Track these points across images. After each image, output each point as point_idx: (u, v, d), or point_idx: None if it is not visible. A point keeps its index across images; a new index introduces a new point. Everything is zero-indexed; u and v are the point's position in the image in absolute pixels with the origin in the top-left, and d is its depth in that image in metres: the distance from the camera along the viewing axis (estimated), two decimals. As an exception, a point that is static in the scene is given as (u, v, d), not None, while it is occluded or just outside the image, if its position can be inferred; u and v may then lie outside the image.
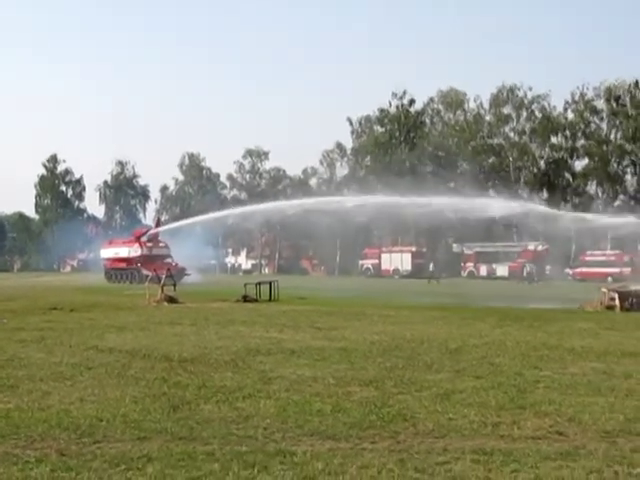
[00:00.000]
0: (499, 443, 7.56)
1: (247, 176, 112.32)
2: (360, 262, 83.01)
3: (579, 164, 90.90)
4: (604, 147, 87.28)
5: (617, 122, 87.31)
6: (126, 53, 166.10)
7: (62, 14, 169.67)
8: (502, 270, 70.34)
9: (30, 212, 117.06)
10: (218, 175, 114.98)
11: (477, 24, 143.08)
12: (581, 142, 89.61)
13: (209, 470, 6.59)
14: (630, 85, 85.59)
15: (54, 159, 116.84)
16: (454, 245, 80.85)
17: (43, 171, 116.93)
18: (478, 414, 8.91)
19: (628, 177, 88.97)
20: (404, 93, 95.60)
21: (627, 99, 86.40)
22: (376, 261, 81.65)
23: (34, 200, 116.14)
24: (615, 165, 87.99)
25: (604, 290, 29.49)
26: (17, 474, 6.56)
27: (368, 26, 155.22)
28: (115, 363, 13.22)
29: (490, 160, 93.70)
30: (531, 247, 75.12)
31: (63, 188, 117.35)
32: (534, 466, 6.74)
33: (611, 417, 8.83)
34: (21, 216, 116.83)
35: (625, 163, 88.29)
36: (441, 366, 12.82)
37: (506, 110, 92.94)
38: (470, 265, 75.46)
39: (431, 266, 67.45)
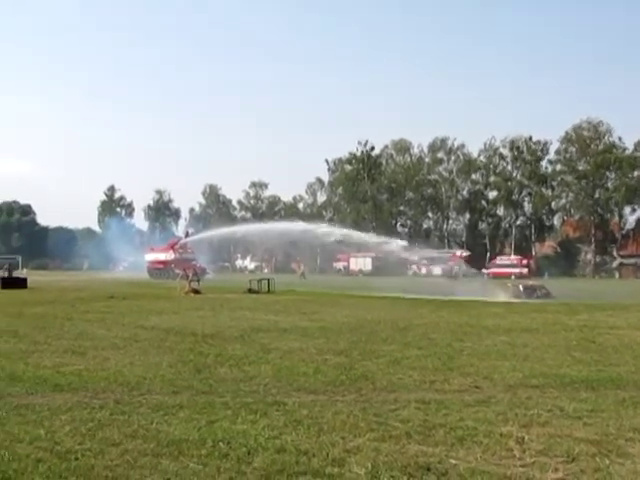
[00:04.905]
0: (434, 395, 7.59)
1: (252, 201, 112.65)
2: (334, 264, 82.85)
3: (491, 194, 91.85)
4: (508, 182, 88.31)
5: (517, 164, 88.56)
6: (160, 106, 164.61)
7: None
8: (437, 270, 70.28)
9: (95, 227, 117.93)
10: (231, 200, 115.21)
11: (419, 85, 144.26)
12: (492, 178, 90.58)
13: (224, 415, 6.59)
14: (526, 138, 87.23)
15: (112, 188, 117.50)
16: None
17: (104, 197, 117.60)
18: (419, 375, 8.95)
19: (526, 204, 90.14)
20: (367, 141, 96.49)
21: (525, 148, 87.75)
22: (346, 263, 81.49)
23: (97, 218, 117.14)
24: (517, 195, 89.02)
25: (509, 285, 29.71)
26: (86, 416, 6.55)
27: (342, 89, 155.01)
28: (155, 337, 13.19)
29: (429, 191, 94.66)
30: (458, 253, 75.42)
31: (118, 209, 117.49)
32: (459, 411, 6.78)
33: (513, 375, 8.90)
34: (89, 230, 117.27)
35: (523, 194, 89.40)
36: (393, 340, 12.84)
37: (439, 154, 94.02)
38: (414, 266, 75.39)
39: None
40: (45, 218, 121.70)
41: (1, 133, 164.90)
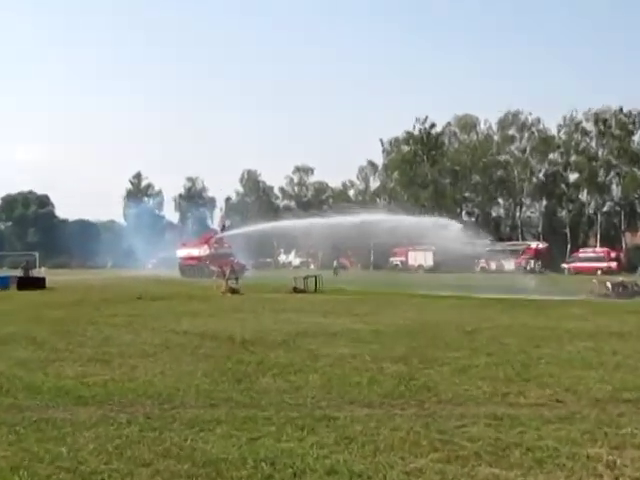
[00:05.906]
0: (508, 410, 7.51)
1: (296, 188, 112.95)
2: (390, 259, 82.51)
3: (572, 176, 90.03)
4: (593, 162, 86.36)
5: (604, 141, 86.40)
6: (190, 83, 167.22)
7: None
8: (509, 265, 69.18)
9: (119, 219, 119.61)
10: (272, 187, 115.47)
11: (485, 58, 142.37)
12: (573, 158, 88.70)
13: (267, 432, 6.64)
14: (615, 110, 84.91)
15: (138, 176, 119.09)
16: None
17: (130, 186, 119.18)
18: (490, 385, 8.86)
19: (614, 187, 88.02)
20: (426, 118, 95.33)
21: (613, 122, 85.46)
22: (404, 258, 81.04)
23: (122, 209, 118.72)
24: (603, 177, 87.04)
25: (595, 281, 29.18)
26: (113, 432, 6.67)
27: (398, 62, 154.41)
28: (189, 343, 13.35)
29: (498, 173, 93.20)
30: (533, 245, 74.36)
31: (146, 199, 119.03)
32: (537, 428, 6.69)
33: (601, 387, 8.74)
34: (113, 222, 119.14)
35: (611, 175, 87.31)
36: (458, 345, 12.76)
37: (511, 131, 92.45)
38: (482, 261, 74.38)
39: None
40: (64, 210, 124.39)
41: (14, 117, 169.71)
